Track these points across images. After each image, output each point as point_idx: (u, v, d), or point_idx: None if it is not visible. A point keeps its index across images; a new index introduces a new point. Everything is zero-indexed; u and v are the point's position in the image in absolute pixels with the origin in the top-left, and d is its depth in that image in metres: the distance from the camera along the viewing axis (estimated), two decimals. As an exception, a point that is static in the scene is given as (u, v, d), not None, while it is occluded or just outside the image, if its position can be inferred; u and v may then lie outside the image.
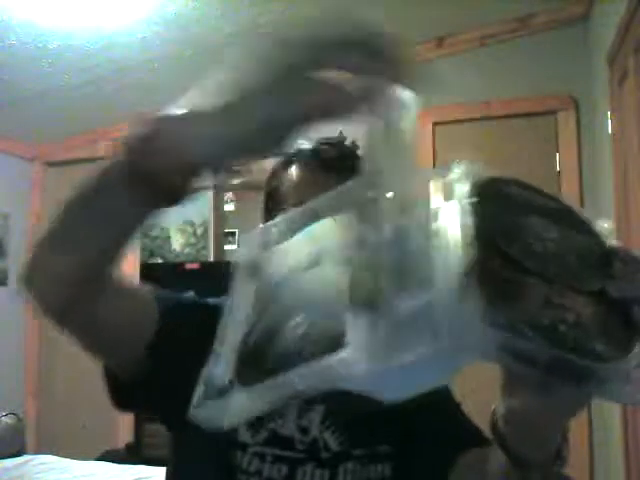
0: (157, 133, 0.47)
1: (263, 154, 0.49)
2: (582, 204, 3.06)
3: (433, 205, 0.45)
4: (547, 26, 3.17)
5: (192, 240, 3.85)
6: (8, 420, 3.10)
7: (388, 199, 0.45)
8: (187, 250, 3.85)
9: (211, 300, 0.85)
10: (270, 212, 0.93)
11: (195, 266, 3.60)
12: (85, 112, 3.84)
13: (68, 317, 0.61)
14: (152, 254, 3.92)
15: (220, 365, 0.48)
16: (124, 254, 0.56)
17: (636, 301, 0.45)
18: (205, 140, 0.46)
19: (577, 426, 2.87)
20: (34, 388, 4.20)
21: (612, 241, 0.50)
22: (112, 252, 0.56)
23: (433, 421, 0.82)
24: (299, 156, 0.92)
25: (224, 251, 3.73)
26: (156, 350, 0.72)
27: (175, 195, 0.49)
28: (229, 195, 3.75)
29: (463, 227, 0.42)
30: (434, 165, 3.32)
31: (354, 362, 0.39)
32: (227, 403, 0.45)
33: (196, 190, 0.49)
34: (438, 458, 0.78)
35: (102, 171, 0.53)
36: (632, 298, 0.45)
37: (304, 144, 0.93)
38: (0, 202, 4.08)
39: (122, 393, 0.77)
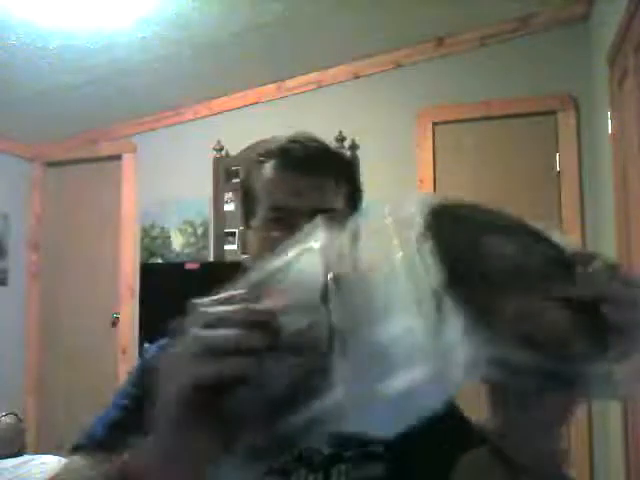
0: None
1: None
2: (582, 204, 3.07)
3: (391, 239, 0.45)
4: (547, 26, 3.17)
5: (192, 240, 3.85)
6: (8, 420, 3.10)
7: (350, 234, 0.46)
8: (187, 250, 3.85)
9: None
10: (247, 213, 0.92)
11: (195, 266, 3.59)
12: (85, 112, 3.84)
13: None
14: (152, 254, 3.92)
15: None
16: None
17: (603, 300, 0.46)
18: None
19: (577, 426, 2.87)
20: (34, 388, 4.20)
21: (572, 247, 0.50)
22: None
23: (426, 418, 0.81)
24: (269, 155, 0.89)
25: (224, 251, 3.73)
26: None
27: None
28: (229, 195, 3.74)
29: (426, 253, 0.43)
30: (434, 165, 3.33)
31: (341, 404, 0.39)
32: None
33: None
34: (433, 456, 0.78)
35: None
36: (598, 298, 0.46)
37: (274, 142, 0.91)
38: (0, 202, 4.08)
39: None
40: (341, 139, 3.37)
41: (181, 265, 3.70)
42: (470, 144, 3.30)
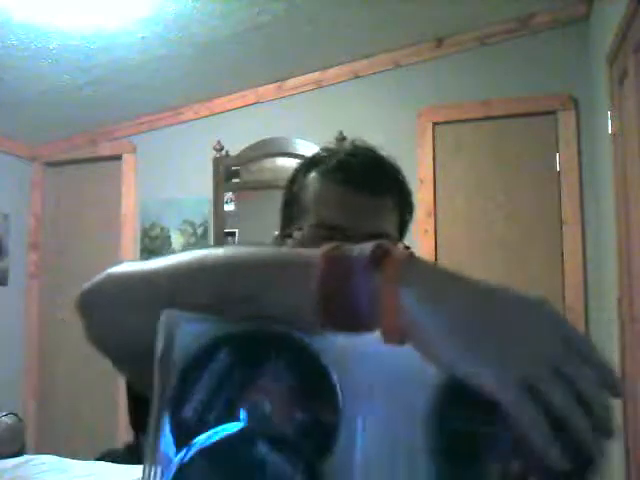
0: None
1: None
2: (582, 204, 3.07)
3: None
4: (547, 26, 3.17)
5: (192, 240, 3.85)
6: (8, 420, 3.10)
7: None
8: (187, 250, 3.85)
9: None
10: (289, 222, 0.83)
11: (195, 266, 3.60)
12: (85, 112, 3.84)
13: (119, 359, 0.54)
14: (152, 254, 3.92)
15: None
16: None
17: None
18: None
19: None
20: (34, 388, 4.20)
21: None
22: None
23: None
24: (322, 164, 0.81)
25: (224, 251, 3.72)
26: None
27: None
28: (229, 195, 3.74)
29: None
30: (434, 165, 3.32)
31: None
32: None
33: None
34: None
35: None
36: None
37: (330, 151, 0.82)
38: (0, 202, 4.08)
39: (140, 414, 0.75)
40: (341, 139, 3.36)
41: (181, 265, 3.70)
42: (470, 144, 3.30)
